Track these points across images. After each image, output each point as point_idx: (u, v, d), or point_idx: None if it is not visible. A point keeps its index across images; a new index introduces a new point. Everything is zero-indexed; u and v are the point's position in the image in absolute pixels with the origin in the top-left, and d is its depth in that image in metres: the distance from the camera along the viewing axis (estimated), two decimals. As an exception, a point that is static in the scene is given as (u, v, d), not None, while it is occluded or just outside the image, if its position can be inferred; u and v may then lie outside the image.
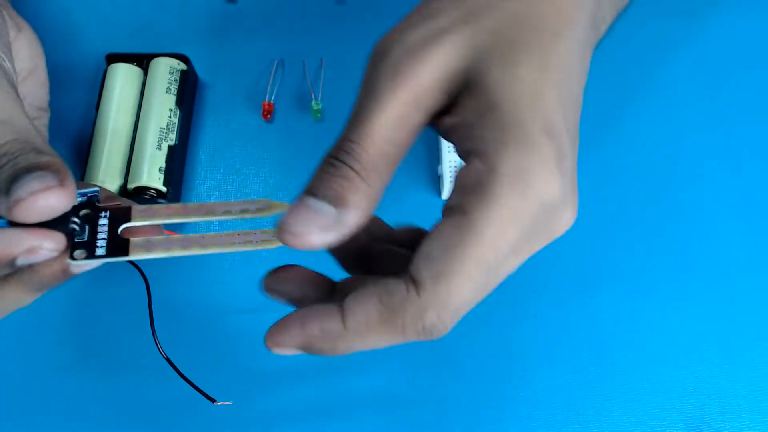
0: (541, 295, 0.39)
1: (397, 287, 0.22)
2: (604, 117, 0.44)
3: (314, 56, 0.45)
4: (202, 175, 0.43)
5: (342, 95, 0.44)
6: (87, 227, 0.25)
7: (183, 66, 0.43)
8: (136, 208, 0.25)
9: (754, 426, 0.37)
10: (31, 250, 0.23)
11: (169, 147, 0.41)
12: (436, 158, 0.43)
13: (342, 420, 0.37)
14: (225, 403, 0.32)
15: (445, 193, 0.41)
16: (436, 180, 0.42)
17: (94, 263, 0.24)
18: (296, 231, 0.22)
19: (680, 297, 0.39)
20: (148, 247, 0.24)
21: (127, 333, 0.39)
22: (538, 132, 0.21)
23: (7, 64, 0.28)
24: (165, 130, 0.41)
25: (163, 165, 0.40)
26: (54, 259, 0.24)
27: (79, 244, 0.24)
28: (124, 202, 0.26)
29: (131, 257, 0.24)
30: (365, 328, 0.22)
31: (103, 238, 0.25)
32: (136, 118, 0.42)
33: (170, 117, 0.41)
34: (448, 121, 0.23)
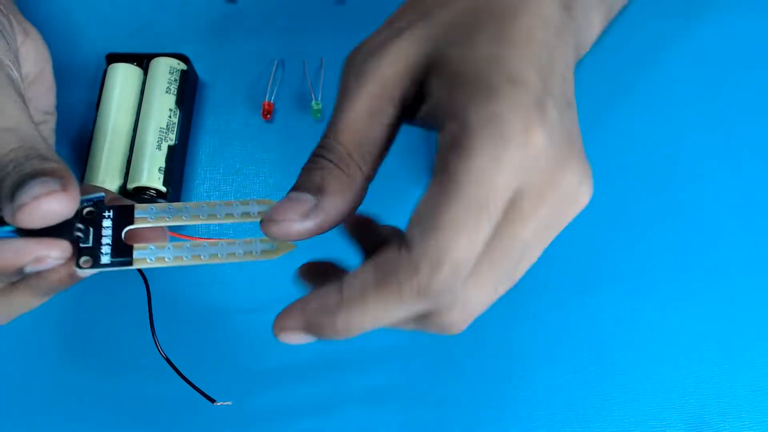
0: (541, 295, 0.39)
1: (390, 251, 0.22)
2: (604, 117, 0.44)
3: (314, 56, 0.45)
4: (202, 175, 0.43)
5: (342, 95, 0.44)
6: (91, 230, 0.25)
7: (183, 66, 0.43)
8: (139, 208, 0.26)
9: (754, 426, 0.37)
10: (38, 260, 0.24)
11: (169, 147, 0.41)
12: (436, 158, 0.43)
13: (342, 420, 0.37)
14: (225, 403, 0.32)
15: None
16: (436, 180, 0.42)
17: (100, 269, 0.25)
18: (277, 219, 0.23)
19: (680, 297, 0.39)
20: (151, 256, 0.25)
21: (126, 333, 0.39)
22: (502, 82, 0.21)
23: (14, 73, 0.29)
24: (165, 130, 0.41)
25: (163, 165, 0.40)
26: (61, 265, 0.25)
27: (84, 250, 0.25)
28: (127, 202, 0.26)
29: (135, 266, 0.25)
30: (361, 295, 0.22)
31: (108, 244, 0.25)
32: (136, 118, 0.42)
33: (170, 117, 0.41)
34: (424, 108, 0.24)
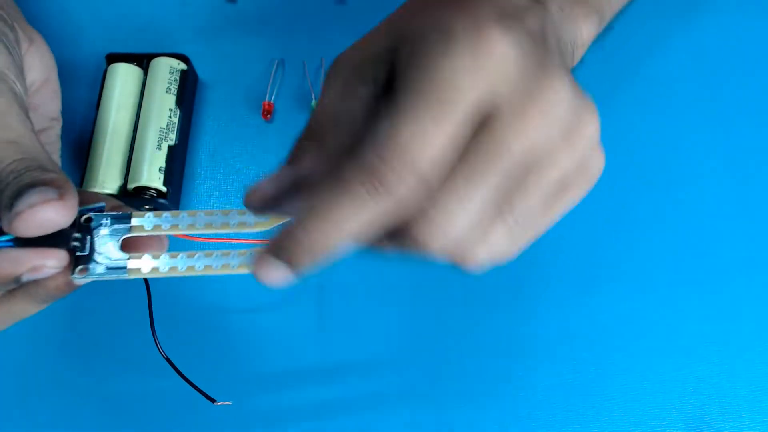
0: (541, 295, 0.39)
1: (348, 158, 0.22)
2: (604, 116, 0.44)
3: (314, 56, 0.45)
4: (202, 175, 0.43)
5: (342, 95, 0.44)
6: (88, 239, 0.25)
7: (183, 66, 0.43)
8: (136, 216, 0.26)
9: (754, 426, 0.37)
10: (34, 269, 0.25)
11: (169, 147, 0.41)
12: (436, 158, 0.43)
13: (342, 420, 0.37)
14: (225, 403, 0.32)
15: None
16: (436, 180, 0.42)
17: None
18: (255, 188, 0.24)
19: (680, 297, 0.39)
20: (146, 267, 0.25)
21: (127, 333, 0.39)
22: (452, 3, 0.21)
23: (17, 87, 0.29)
24: (165, 130, 0.41)
25: (163, 165, 0.40)
26: (58, 274, 0.25)
27: (81, 259, 0.25)
28: (128, 209, 0.27)
29: (130, 276, 0.25)
30: (318, 198, 0.21)
31: (104, 253, 0.26)
32: (136, 118, 0.42)
33: (170, 117, 0.41)
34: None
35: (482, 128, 0.21)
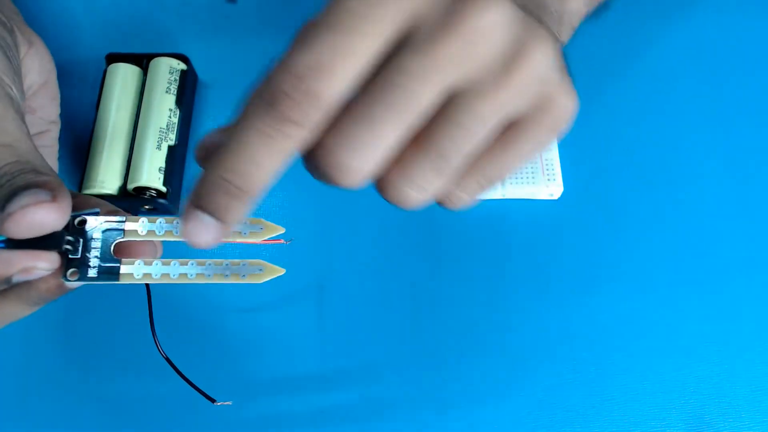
0: (541, 295, 0.39)
1: None
2: (604, 116, 0.44)
3: (314, 56, 0.45)
4: (202, 175, 0.43)
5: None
6: (81, 242, 0.25)
7: (183, 66, 0.43)
8: (130, 220, 0.26)
9: (754, 426, 0.37)
10: (25, 270, 0.24)
11: (169, 147, 0.41)
12: (436, 158, 0.43)
13: (342, 420, 0.37)
14: (225, 403, 0.32)
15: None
16: (436, 180, 0.42)
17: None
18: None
19: (680, 297, 0.39)
20: (138, 272, 0.25)
21: (127, 333, 0.39)
22: None
23: (14, 92, 0.29)
24: (165, 130, 0.41)
25: (163, 165, 0.40)
26: (49, 276, 0.25)
27: (73, 262, 0.25)
28: (123, 214, 0.27)
29: (121, 282, 0.25)
30: (236, 118, 0.21)
31: (96, 257, 0.25)
32: (135, 118, 0.42)
33: (170, 117, 0.41)
34: None
35: (397, 55, 0.20)
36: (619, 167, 0.43)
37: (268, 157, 0.20)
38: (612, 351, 0.38)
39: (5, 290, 0.26)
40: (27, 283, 0.25)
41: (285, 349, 0.38)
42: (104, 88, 0.42)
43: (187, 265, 0.25)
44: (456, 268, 0.40)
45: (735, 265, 0.40)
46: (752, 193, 0.42)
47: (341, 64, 0.19)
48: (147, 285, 0.31)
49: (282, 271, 0.26)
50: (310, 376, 0.38)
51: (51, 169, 0.26)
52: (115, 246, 0.26)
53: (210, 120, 0.44)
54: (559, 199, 0.42)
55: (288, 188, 0.43)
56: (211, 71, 0.45)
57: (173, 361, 0.31)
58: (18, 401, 0.38)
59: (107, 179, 0.40)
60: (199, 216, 0.21)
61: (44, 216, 0.23)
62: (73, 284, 0.25)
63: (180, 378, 0.31)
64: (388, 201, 0.22)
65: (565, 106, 0.22)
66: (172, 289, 0.39)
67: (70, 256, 0.25)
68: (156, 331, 0.31)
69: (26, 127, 0.27)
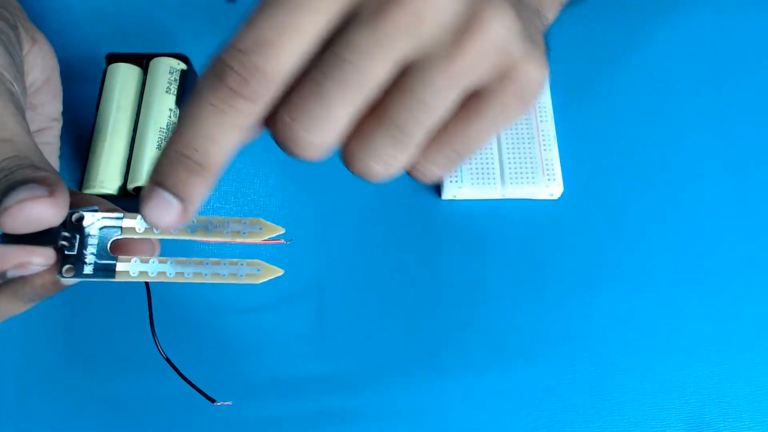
0: (541, 295, 0.39)
1: None
2: (604, 117, 0.44)
3: (314, 56, 0.45)
4: (202, 175, 0.43)
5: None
6: (77, 238, 0.25)
7: (183, 66, 0.43)
8: (128, 217, 0.26)
9: (754, 426, 0.37)
10: (20, 265, 0.24)
11: (169, 147, 0.41)
12: (436, 158, 0.43)
13: (342, 420, 0.37)
14: (225, 403, 0.32)
15: (445, 193, 0.41)
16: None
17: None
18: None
19: (680, 297, 0.39)
20: (135, 270, 0.25)
21: (126, 333, 0.39)
22: None
23: (15, 87, 0.29)
24: (165, 130, 0.41)
25: (163, 165, 0.40)
26: (44, 272, 0.25)
27: (68, 258, 0.25)
28: (120, 211, 0.26)
29: (117, 279, 0.25)
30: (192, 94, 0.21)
31: (92, 253, 0.25)
32: (136, 118, 0.42)
33: (170, 117, 0.41)
34: None
35: (345, 29, 0.19)
36: (619, 167, 0.43)
37: (221, 132, 0.20)
38: (612, 351, 0.38)
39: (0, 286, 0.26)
40: (22, 279, 0.25)
41: (285, 349, 0.38)
42: (104, 88, 0.42)
43: (184, 264, 0.25)
44: (456, 268, 0.40)
45: (735, 265, 0.40)
46: (752, 193, 0.42)
47: (287, 41, 0.19)
48: (147, 285, 0.31)
49: (280, 272, 0.26)
50: (310, 377, 0.38)
51: (50, 165, 0.26)
52: (111, 243, 0.25)
53: (210, 120, 0.44)
54: (559, 199, 0.42)
55: (288, 188, 0.43)
56: (211, 71, 0.45)
57: (173, 361, 0.31)
58: (18, 401, 0.38)
59: (107, 179, 0.40)
60: (160, 193, 0.20)
61: (41, 211, 0.23)
62: (69, 281, 0.25)
63: (180, 378, 0.31)
64: (353, 174, 0.22)
65: (531, 75, 0.21)
66: (172, 290, 0.39)
67: (66, 253, 0.25)
68: (156, 331, 0.31)
69: (26, 123, 0.27)
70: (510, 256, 0.40)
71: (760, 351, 0.38)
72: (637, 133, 0.44)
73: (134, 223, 0.25)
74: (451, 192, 0.41)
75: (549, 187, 0.41)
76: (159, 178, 0.20)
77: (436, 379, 0.38)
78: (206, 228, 0.25)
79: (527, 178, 0.41)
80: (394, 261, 0.40)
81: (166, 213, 0.21)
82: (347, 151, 0.21)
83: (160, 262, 0.25)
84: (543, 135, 0.42)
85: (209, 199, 0.42)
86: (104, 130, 0.41)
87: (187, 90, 0.43)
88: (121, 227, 0.25)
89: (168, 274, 0.25)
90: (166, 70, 0.42)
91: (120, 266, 0.25)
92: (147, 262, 0.25)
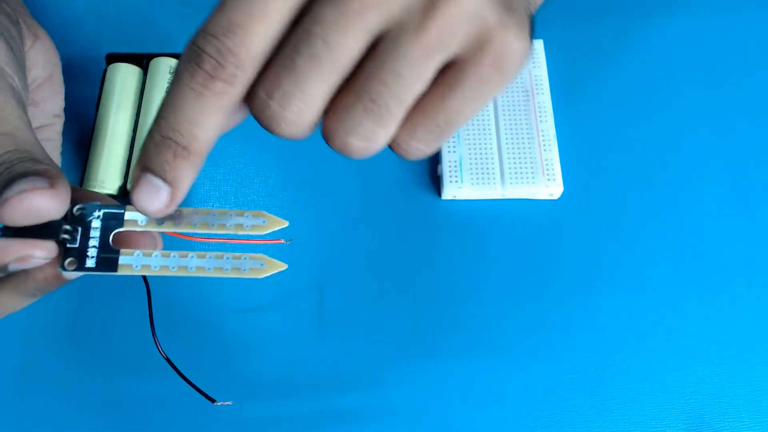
0: (541, 295, 0.39)
1: None
2: (603, 117, 0.44)
3: (314, 56, 0.45)
4: (202, 176, 0.43)
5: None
6: (79, 230, 0.25)
7: (183, 66, 0.43)
8: (130, 210, 0.25)
9: (754, 426, 0.37)
10: (22, 258, 0.24)
11: (169, 147, 0.41)
12: (436, 158, 0.43)
13: (342, 420, 0.37)
14: (225, 403, 0.32)
15: (445, 193, 0.41)
16: (436, 180, 0.42)
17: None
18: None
19: (680, 297, 0.39)
20: (137, 263, 0.25)
21: (126, 333, 0.39)
22: None
23: (16, 82, 0.29)
24: (165, 130, 0.41)
25: (163, 165, 0.40)
26: (46, 265, 0.25)
27: (70, 251, 0.25)
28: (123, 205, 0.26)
29: (120, 273, 0.25)
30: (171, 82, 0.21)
31: (95, 247, 0.25)
32: (136, 118, 0.42)
33: (170, 117, 0.41)
34: None
35: (314, 4, 0.20)
36: (619, 167, 0.43)
37: (203, 115, 0.20)
38: (612, 351, 0.38)
39: (1, 280, 0.26)
40: (24, 273, 0.25)
41: (285, 349, 0.38)
42: (104, 88, 0.42)
43: (186, 257, 0.25)
44: (456, 267, 0.40)
45: (735, 265, 0.40)
46: (752, 193, 0.42)
47: (257, 22, 0.20)
48: (147, 285, 0.31)
49: (284, 266, 0.25)
50: (311, 376, 0.38)
51: (50, 159, 0.25)
52: (114, 236, 0.25)
53: (210, 120, 0.44)
54: (559, 199, 0.42)
55: (288, 188, 0.43)
56: (211, 71, 0.45)
57: (173, 361, 0.31)
58: (18, 401, 0.37)
59: (107, 179, 0.40)
60: (148, 178, 0.21)
61: (41, 202, 0.23)
62: (71, 274, 0.25)
63: (180, 378, 0.31)
64: (334, 150, 0.22)
65: (508, 43, 0.20)
66: (172, 289, 0.39)
67: (68, 246, 0.25)
68: (156, 330, 0.31)
69: (27, 117, 0.27)
70: (510, 256, 0.40)
71: (760, 351, 0.38)
72: (636, 133, 0.44)
73: (136, 216, 0.25)
74: (451, 192, 0.41)
75: (549, 187, 0.41)
76: (145, 161, 0.21)
77: (436, 379, 0.38)
78: (209, 221, 0.25)
79: (527, 178, 0.41)
80: (394, 261, 0.40)
81: (155, 197, 0.21)
82: (326, 128, 0.21)
83: (163, 255, 0.25)
84: (543, 135, 0.42)
85: (209, 199, 0.42)
86: (104, 129, 0.41)
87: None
88: (123, 220, 0.25)
89: (170, 268, 0.25)
90: (166, 70, 0.42)
91: (122, 259, 0.25)
92: (149, 255, 0.25)
